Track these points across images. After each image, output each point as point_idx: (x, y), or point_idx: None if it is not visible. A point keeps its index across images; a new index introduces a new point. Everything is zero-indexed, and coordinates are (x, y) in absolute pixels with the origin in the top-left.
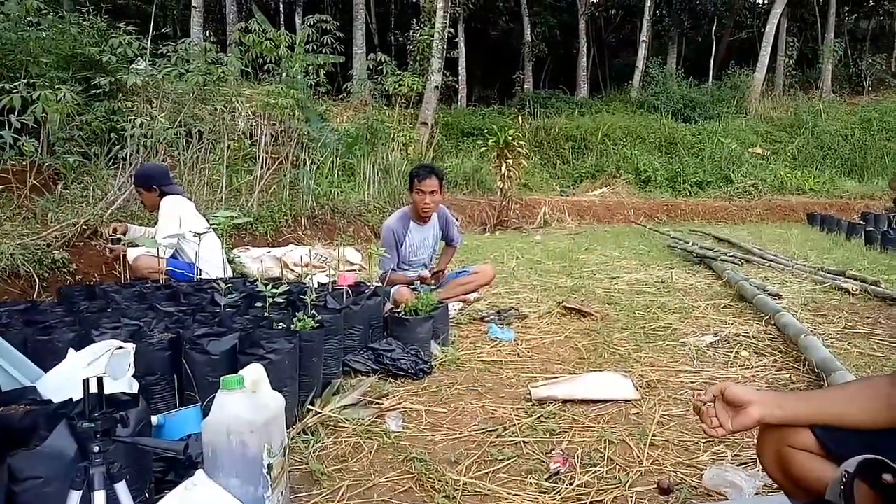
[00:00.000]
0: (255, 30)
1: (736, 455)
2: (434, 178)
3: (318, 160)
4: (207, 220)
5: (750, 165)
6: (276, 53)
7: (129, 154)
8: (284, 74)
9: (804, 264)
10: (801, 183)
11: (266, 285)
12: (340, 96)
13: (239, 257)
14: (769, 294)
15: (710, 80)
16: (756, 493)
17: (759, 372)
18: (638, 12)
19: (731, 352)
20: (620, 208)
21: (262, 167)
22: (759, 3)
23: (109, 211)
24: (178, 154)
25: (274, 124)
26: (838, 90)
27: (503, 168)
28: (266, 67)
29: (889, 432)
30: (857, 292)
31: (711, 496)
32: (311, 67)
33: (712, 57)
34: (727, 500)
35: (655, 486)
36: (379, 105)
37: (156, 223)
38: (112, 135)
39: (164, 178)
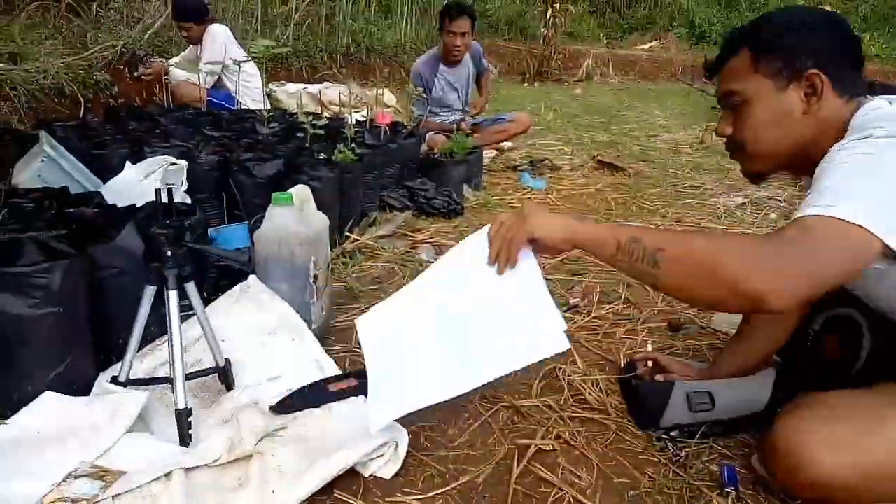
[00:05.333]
0: None
1: None
2: (466, 18)
3: None
4: (246, 51)
5: None
6: None
7: None
8: None
9: None
10: (868, 47)
11: (308, 116)
12: None
13: (275, 91)
14: None
15: None
16: None
17: None
18: None
19: (760, 213)
20: (668, 65)
21: None
22: None
23: (147, 35)
24: None
25: None
26: None
27: (549, 13)
28: None
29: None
30: None
31: (718, 335)
32: None
33: None
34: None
35: (666, 323)
36: None
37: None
38: None
39: (208, 8)
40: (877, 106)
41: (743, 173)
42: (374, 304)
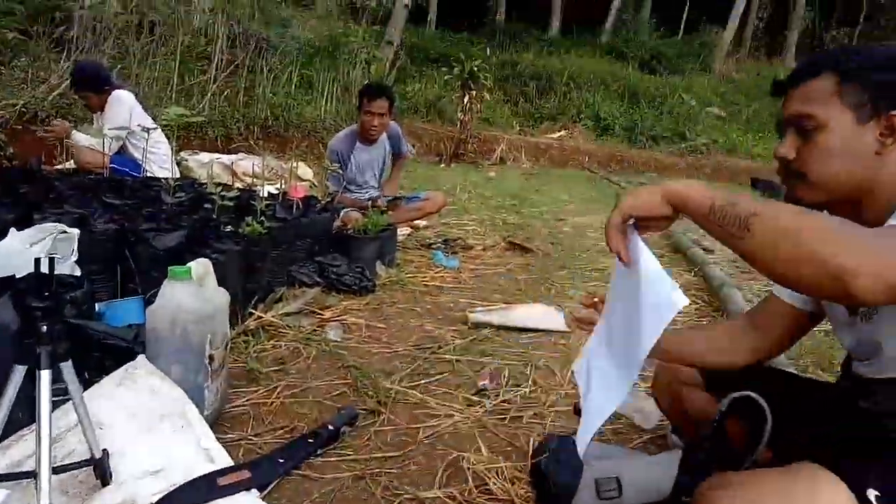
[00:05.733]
0: None
1: (649, 385)
2: (384, 99)
3: (277, 68)
4: (155, 119)
5: (706, 125)
6: None
7: (75, 37)
8: None
9: None
10: (751, 148)
11: (217, 187)
12: (304, 3)
13: (186, 160)
14: (702, 248)
15: (681, 33)
16: (661, 420)
17: (681, 317)
18: None
19: None
20: (576, 153)
21: (216, 69)
22: None
23: (51, 97)
24: (129, 44)
25: (232, 24)
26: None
27: (465, 99)
28: None
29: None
30: None
31: (621, 420)
32: None
33: (685, 10)
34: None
35: (572, 407)
36: (345, 17)
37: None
38: (57, 14)
39: (110, 77)
40: None
41: (790, 200)
42: (273, 387)
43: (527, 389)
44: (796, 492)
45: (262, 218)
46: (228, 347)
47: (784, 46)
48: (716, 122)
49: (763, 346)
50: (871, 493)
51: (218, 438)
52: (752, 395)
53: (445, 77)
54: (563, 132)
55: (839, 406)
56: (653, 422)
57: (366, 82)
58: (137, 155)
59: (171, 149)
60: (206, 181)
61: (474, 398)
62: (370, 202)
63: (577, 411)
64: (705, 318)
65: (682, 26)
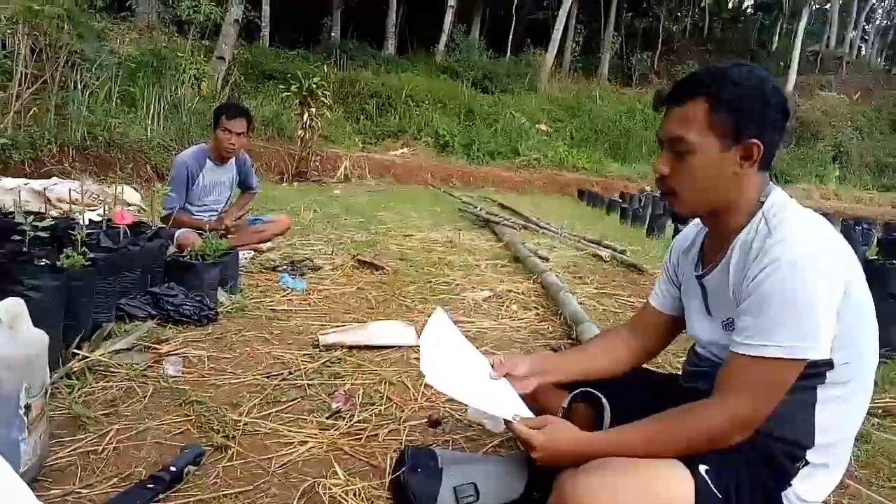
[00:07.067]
0: None
1: None
2: (244, 119)
3: (93, 85)
4: None
5: (536, 140)
6: None
7: None
8: None
9: (570, 233)
10: (577, 161)
11: (27, 217)
12: (122, 14)
13: None
14: (539, 257)
15: (508, 54)
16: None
17: (524, 323)
18: None
19: (503, 305)
20: (419, 170)
21: (19, 84)
22: None
23: None
24: None
25: (37, 36)
26: (613, 80)
27: (305, 117)
28: None
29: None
30: (608, 259)
31: (472, 426)
32: None
33: (511, 32)
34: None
35: (426, 419)
36: (169, 31)
37: None
38: None
39: None
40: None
41: (669, 209)
42: (104, 432)
43: (381, 407)
44: (640, 472)
45: (84, 248)
46: (48, 394)
47: (598, 67)
48: (544, 138)
49: (642, 351)
50: (702, 468)
51: (40, 497)
52: (589, 389)
53: (283, 94)
54: (405, 149)
55: (672, 389)
56: (502, 426)
57: (203, 103)
58: None
59: None
60: (13, 209)
61: (329, 422)
62: (208, 224)
63: (431, 423)
64: (545, 322)
65: (508, 47)
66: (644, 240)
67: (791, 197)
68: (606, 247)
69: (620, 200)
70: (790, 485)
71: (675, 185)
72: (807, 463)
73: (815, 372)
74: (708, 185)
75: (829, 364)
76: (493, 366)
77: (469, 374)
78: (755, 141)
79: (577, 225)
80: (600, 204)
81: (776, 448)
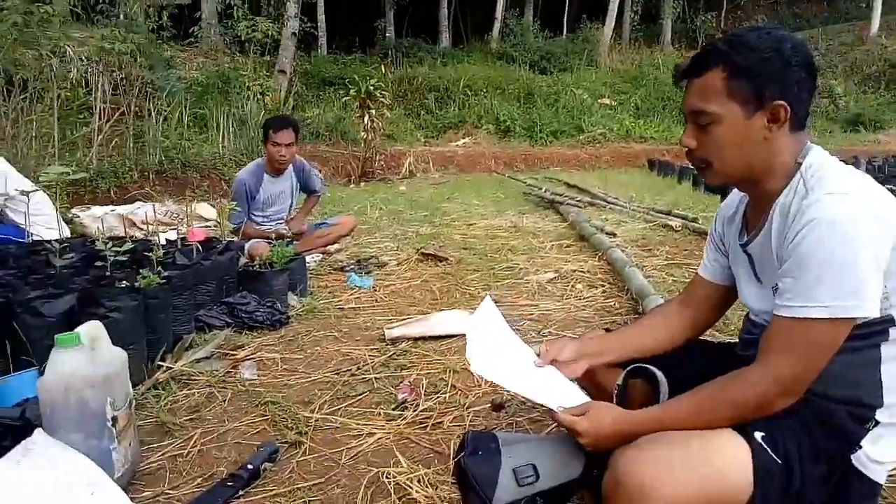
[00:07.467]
0: None
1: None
2: (290, 130)
3: (165, 111)
4: (36, 179)
5: (599, 115)
6: None
7: None
8: (122, 16)
9: (639, 206)
10: (644, 131)
11: (107, 244)
12: (188, 41)
13: (78, 217)
14: (606, 233)
15: (565, 33)
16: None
17: (589, 302)
18: None
19: (568, 286)
20: (482, 158)
21: (100, 118)
22: None
23: None
24: None
25: (113, 71)
26: (677, 45)
27: (366, 119)
28: (100, 8)
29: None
30: (679, 228)
31: (536, 409)
32: (151, 9)
33: (566, 10)
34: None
35: (489, 404)
36: (231, 52)
37: None
38: None
39: None
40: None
41: (704, 181)
42: (189, 436)
43: (446, 395)
44: (692, 443)
45: (159, 268)
46: (133, 405)
47: (660, 34)
48: (608, 112)
49: (696, 323)
50: (758, 435)
51: (133, 499)
52: (644, 365)
53: (343, 99)
54: (466, 139)
55: (729, 356)
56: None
57: (269, 116)
58: (19, 220)
59: (56, 208)
60: (97, 237)
61: (395, 412)
62: (275, 233)
63: (494, 407)
64: (612, 299)
65: (564, 26)
66: (718, 205)
67: (879, 143)
68: (677, 216)
69: (692, 167)
70: (860, 446)
71: (704, 156)
72: (877, 423)
73: (878, 329)
74: (737, 153)
75: (891, 321)
76: (538, 354)
77: (515, 362)
78: (780, 102)
79: (646, 197)
80: (671, 172)
81: (838, 410)
